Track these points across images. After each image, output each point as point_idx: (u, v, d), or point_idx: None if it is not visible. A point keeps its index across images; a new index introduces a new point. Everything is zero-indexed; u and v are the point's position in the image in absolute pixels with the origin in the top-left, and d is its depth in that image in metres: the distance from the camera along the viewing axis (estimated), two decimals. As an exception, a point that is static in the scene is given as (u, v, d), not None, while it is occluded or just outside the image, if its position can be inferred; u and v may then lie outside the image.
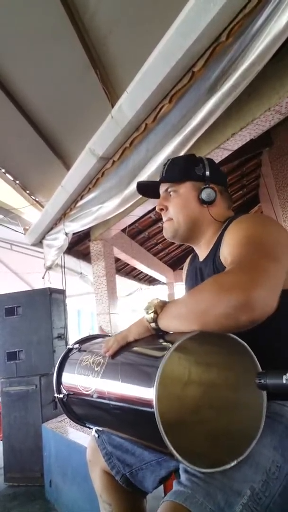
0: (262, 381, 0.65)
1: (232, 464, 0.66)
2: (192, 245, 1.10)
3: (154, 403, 0.61)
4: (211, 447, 0.76)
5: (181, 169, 1.05)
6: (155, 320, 0.75)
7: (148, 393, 0.63)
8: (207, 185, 1.02)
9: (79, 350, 1.07)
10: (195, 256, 1.13)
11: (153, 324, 0.75)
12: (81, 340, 1.13)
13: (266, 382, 0.65)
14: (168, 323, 0.73)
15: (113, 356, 0.85)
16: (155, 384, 0.62)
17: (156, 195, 1.12)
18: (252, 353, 0.70)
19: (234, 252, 0.79)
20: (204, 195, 1.00)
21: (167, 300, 0.78)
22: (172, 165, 1.07)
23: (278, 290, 0.65)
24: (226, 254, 0.86)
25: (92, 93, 2.76)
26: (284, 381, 0.60)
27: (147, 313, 0.76)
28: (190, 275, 1.15)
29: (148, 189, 1.17)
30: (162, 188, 1.09)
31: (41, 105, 2.93)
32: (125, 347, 0.84)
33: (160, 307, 0.75)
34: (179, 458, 0.61)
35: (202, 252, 1.06)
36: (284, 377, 0.60)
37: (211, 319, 0.63)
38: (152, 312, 0.75)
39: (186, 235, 1.05)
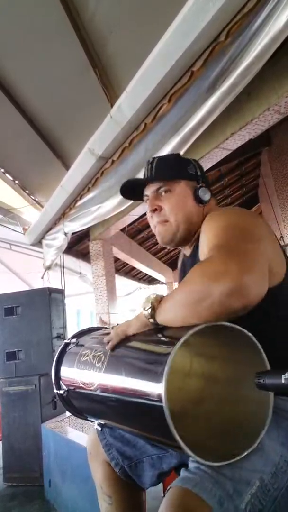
0: (261, 380, 0.66)
1: (242, 455, 0.66)
2: (182, 246, 1.06)
3: (163, 397, 0.61)
4: (218, 440, 0.76)
5: (174, 168, 1.02)
6: (153, 315, 0.75)
7: (156, 387, 0.63)
8: (201, 184, 1.00)
9: (77, 344, 1.06)
10: (184, 254, 1.11)
11: (151, 320, 0.76)
12: (77, 334, 1.12)
13: (265, 382, 0.65)
14: (165, 317, 0.73)
15: (114, 350, 0.85)
16: (163, 379, 0.62)
17: (138, 197, 1.06)
18: (259, 345, 0.70)
19: (212, 241, 0.78)
20: (202, 194, 0.98)
21: (164, 295, 0.78)
22: (162, 163, 1.01)
23: (265, 271, 0.65)
24: (204, 245, 0.85)
25: (91, 93, 2.76)
26: (283, 381, 0.60)
27: (145, 309, 0.76)
28: (180, 275, 1.14)
29: (130, 191, 1.08)
30: (152, 188, 1.00)
31: (40, 105, 2.93)
32: (126, 341, 0.84)
33: (157, 302, 0.75)
34: (189, 451, 0.60)
35: (187, 249, 1.05)
36: (283, 376, 0.60)
37: (204, 310, 0.63)
38: (149, 308, 0.75)
39: (184, 237, 1.00)
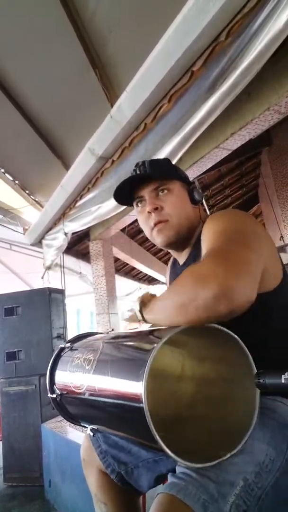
0: (261, 380, 0.66)
1: (226, 457, 0.66)
2: (178, 250, 1.04)
3: (143, 397, 0.60)
4: (206, 441, 0.76)
5: (170, 168, 1.02)
6: (142, 314, 0.77)
7: (136, 387, 0.63)
8: (193, 186, 1.01)
9: (71, 348, 1.06)
10: (175, 261, 1.10)
11: (140, 317, 0.77)
12: (73, 338, 1.12)
13: (265, 382, 0.65)
14: (153, 317, 0.75)
15: (104, 351, 0.86)
16: (143, 378, 0.61)
17: (127, 201, 1.04)
18: (245, 347, 0.70)
19: (208, 245, 0.78)
20: (197, 195, 0.99)
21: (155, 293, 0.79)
22: (156, 164, 1.01)
23: (255, 278, 0.65)
24: (203, 248, 0.85)
25: (91, 93, 2.76)
26: (283, 381, 0.60)
27: (134, 307, 0.79)
28: (170, 282, 1.13)
29: (122, 196, 1.04)
30: (149, 188, 0.97)
31: (40, 105, 2.93)
32: (114, 343, 0.85)
33: (148, 301, 0.77)
34: (169, 453, 0.60)
35: (181, 256, 1.04)
36: (283, 376, 0.60)
37: (191, 312, 0.63)
38: (139, 306, 0.77)
39: (185, 237, 0.98)
